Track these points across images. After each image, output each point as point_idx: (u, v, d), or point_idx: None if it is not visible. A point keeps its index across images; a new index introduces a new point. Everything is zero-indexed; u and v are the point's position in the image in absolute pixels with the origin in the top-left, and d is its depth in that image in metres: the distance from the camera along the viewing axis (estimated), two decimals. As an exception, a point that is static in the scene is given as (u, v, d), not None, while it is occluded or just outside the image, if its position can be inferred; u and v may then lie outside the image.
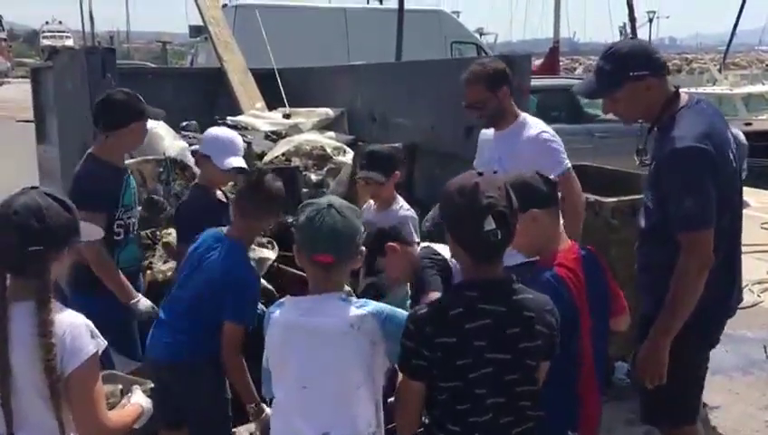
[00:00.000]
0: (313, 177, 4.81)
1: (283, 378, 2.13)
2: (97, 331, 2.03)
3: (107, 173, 3.36)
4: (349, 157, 4.95)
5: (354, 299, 2.14)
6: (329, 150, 5.03)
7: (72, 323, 1.97)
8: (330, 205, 2.09)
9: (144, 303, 3.37)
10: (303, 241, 2.12)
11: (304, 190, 4.70)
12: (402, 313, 2.16)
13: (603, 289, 2.50)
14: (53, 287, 2.01)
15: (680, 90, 2.81)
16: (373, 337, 2.07)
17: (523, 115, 3.54)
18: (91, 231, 2.24)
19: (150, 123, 5.32)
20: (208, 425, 2.96)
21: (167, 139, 5.17)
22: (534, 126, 3.48)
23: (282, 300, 2.19)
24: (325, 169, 4.89)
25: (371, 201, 3.78)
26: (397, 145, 4.90)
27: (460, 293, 2.04)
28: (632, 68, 2.67)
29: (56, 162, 5.21)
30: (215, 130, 3.77)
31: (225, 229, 3.03)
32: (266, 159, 4.99)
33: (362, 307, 2.09)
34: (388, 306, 2.17)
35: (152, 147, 5.13)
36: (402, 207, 3.69)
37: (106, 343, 2.04)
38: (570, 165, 3.42)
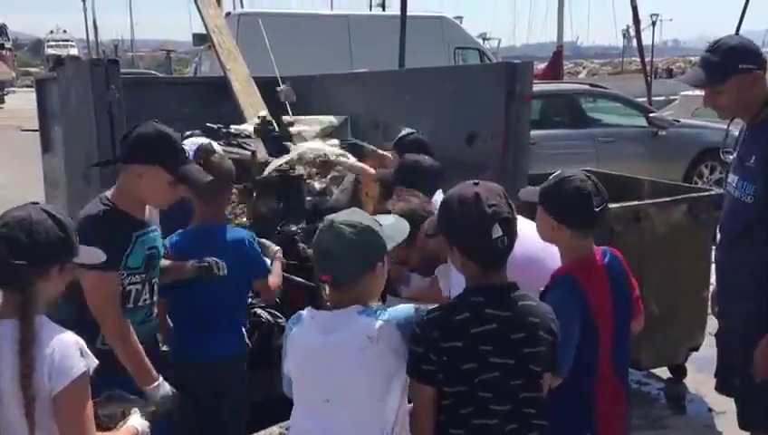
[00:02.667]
0: (317, 185, 4.81)
1: (305, 393, 2.11)
2: (87, 349, 2.00)
3: (115, 223, 2.70)
4: (352, 164, 4.96)
5: (372, 309, 2.08)
6: (332, 158, 5.03)
7: (61, 341, 1.95)
8: (332, 222, 2.05)
9: (165, 388, 2.74)
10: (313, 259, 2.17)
11: (308, 198, 4.71)
12: (411, 308, 2.13)
13: (627, 293, 2.51)
14: (42, 306, 1.99)
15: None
16: (395, 345, 2.04)
17: None
18: (90, 255, 2.18)
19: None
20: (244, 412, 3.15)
21: (171, 148, 5.19)
22: None
23: (300, 313, 2.16)
24: (329, 176, 4.89)
25: None
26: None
27: (466, 298, 2.05)
28: (741, 60, 2.73)
29: (61, 172, 5.23)
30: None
31: (191, 225, 3.22)
32: (270, 167, 5.00)
33: (378, 317, 2.03)
34: (403, 308, 2.13)
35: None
36: None
37: (96, 362, 2.01)
38: None
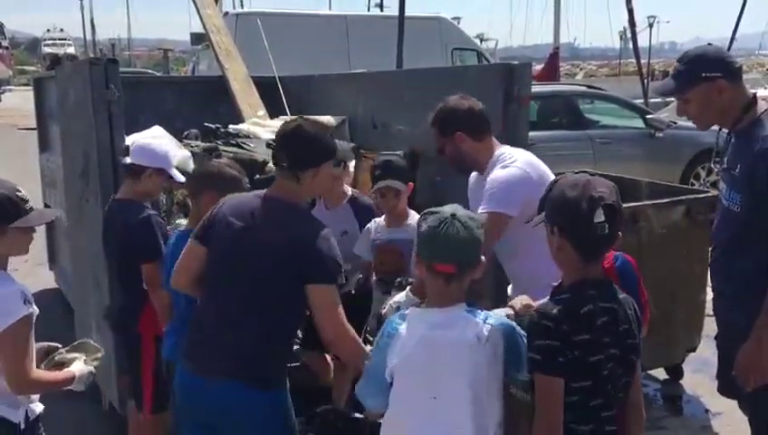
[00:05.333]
0: (315, 185, 4.80)
1: (411, 389, 2.15)
2: (32, 298, 2.37)
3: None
4: (350, 164, 4.95)
5: (478, 311, 2.17)
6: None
7: (8, 290, 2.34)
8: (453, 215, 2.13)
9: None
10: (425, 249, 2.17)
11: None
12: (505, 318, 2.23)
13: (636, 299, 2.51)
14: None
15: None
16: (497, 349, 2.12)
17: None
18: (37, 218, 2.48)
19: (152, 132, 5.39)
20: None
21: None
22: None
23: (404, 312, 2.23)
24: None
25: (378, 219, 3.72)
26: (398, 153, 4.92)
27: (582, 291, 2.07)
28: (704, 69, 2.73)
29: (58, 171, 5.23)
30: (165, 144, 3.65)
31: (184, 225, 3.25)
32: (270, 166, 4.99)
33: (487, 320, 2.13)
34: (502, 316, 2.22)
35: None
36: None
37: (38, 310, 2.37)
38: None
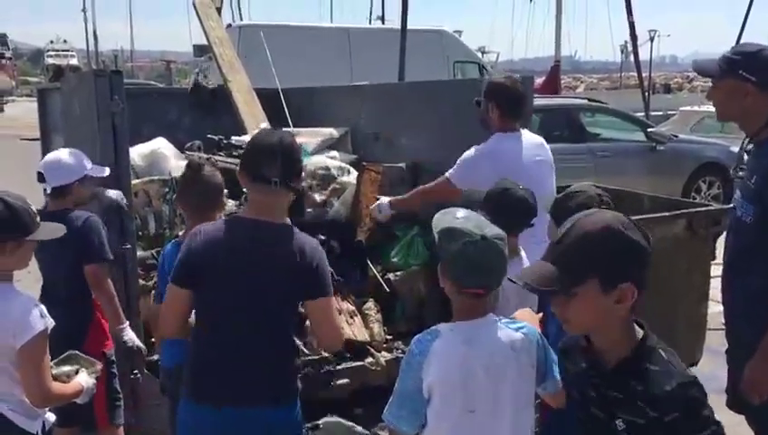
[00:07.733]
0: (317, 197, 4.83)
1: (450, 405, 2.10)
2: (46, 311, 2.39)
3: None
4: (352, 177, 4.98)
5: (503, 320, 2.15)
6: (333, 171, 5.05)
7: (24, 305, 2.36)
8: (483, 237, 2.05)
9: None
10: (453, 271, 2.10)
11: (308, 210, 4.72)
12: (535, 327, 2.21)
13: None
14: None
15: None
16: (532, 360, 2.11)
17: None
18: (49, 232, 2.53)
19: (155, 143, 5.41)
20: None
21: (171, 159, 5.22)
22: None
23: (436, 329, 2.14)
24: (329, 188, 4.91)
25: None
26: (400, 165, 4.94)
27: None
28: (743, 67, 2.66)
29: (62, 182, 5.25)
30: (67, 153, 3.53)
31: (179, 236, 3.19)
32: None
33: (520, 330, 2.13)
34: (531, 324, 2.21)
35: (157, 167, 5.18)
36: None
37: (53, 322, 2.40)
38: None
